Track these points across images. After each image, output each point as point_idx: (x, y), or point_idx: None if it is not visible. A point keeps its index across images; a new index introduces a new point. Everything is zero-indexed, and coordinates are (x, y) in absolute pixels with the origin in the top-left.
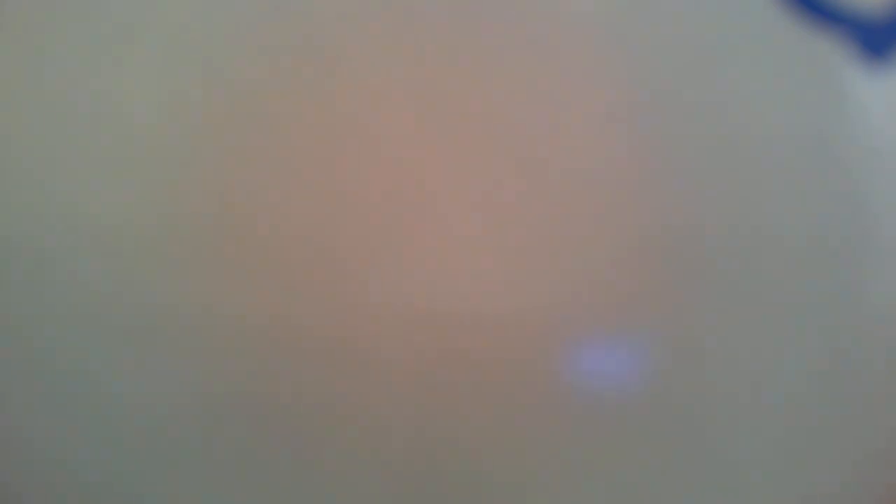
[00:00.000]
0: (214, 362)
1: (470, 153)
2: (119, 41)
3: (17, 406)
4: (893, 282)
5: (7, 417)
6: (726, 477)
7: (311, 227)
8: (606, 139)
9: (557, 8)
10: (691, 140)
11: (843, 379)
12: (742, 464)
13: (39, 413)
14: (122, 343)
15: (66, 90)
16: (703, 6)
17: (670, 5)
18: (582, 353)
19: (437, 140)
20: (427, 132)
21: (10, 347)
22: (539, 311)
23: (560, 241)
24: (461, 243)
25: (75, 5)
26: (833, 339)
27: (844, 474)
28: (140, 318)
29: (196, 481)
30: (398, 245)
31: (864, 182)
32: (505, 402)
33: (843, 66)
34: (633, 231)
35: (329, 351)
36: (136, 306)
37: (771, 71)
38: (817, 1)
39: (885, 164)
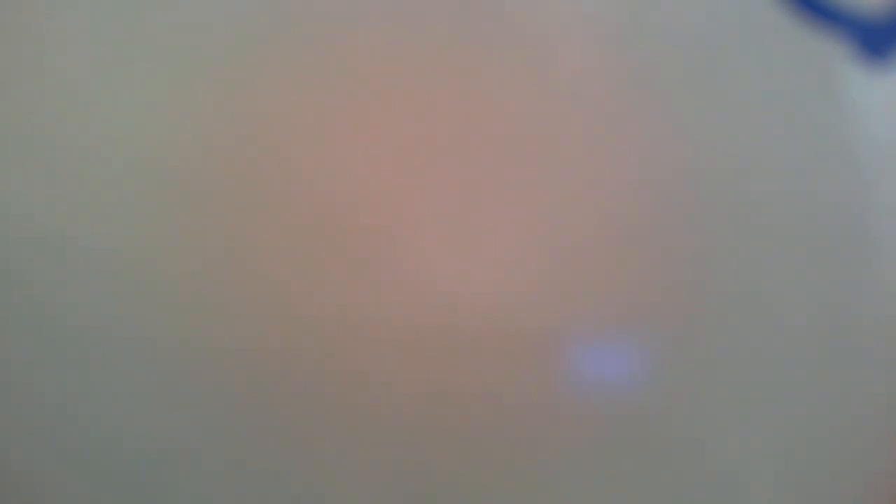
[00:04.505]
0: (210, 380)
1: (469, 158)
2: (116, 46)
3: (11, 439)
4: (894, 283)
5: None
6: (725, 482)
7: (308, 235)
8: (606, 141)
9: (558, 9)
10: (690, 141)
11: (846, 381)
12: (741, 469)
13: (34, 439)
14: (115, 369)
15: (62, 98)
16: (702, 6)
17: (670, 5)
18: (583, 357)
19: (436, 146)
20: (425, 138)
21: None
22: (538, 317)
23: (560, 245)
24: (459, 249)
25: (65, 14)
26: (835, 341)
27: (844, 479)
28: (136, 332)
29: (194, 496)
30: (396, 254)
31: (864, 182)
32: (505, 408)
33: (843, 66)
34: (634, 235)
35: (328, 366)
36: (130, 328)
37: (771, 71)
38: (817, 1)
39: (886, 165)
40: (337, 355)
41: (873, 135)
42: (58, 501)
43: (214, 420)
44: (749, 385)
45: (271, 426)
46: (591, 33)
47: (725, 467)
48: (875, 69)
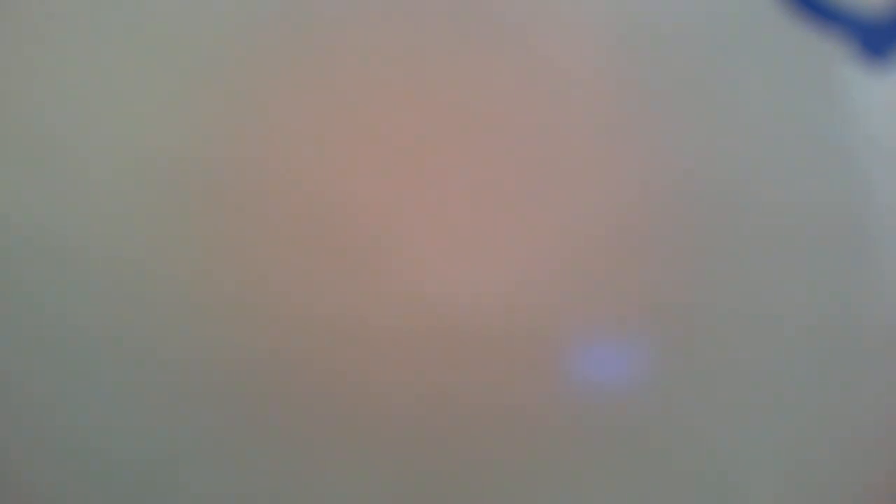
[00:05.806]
0: (208, 382)
1: (468, 160)
2: (116, 48)
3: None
4: (894, 283)
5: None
6: (726, 483)
7: (307, 238)
8: (605, 142)
9: (559, 10)
10: (689, 141)
11: (846, 382)
12: (742, 470)
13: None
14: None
15: (61, 100)
16: (702, 6)
17: (670, 6)
18: (583, 360)
19: (435, 149)
20: (424, 141)
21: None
22: (538, 319)
23: (559, 247)
24: (458, 251)
25: (63, 14)
26: (834, 341)
27: (845, 480)
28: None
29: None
30: (395, 256)
31: (864, 182)
32: (505, 410)
33: (843, 66)
34: (632, 236)
35: (326, 368)
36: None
37: (771, 71)
38: (817, 1)
39: (886, 165)
40: (335, 358)
41: (873, 135)
42: (57, 502)
43: (212, 422)
44: (750, 386)
45: (270, 429)
46: (591, 34)
47: (726, 468)
48: (875, 69)
